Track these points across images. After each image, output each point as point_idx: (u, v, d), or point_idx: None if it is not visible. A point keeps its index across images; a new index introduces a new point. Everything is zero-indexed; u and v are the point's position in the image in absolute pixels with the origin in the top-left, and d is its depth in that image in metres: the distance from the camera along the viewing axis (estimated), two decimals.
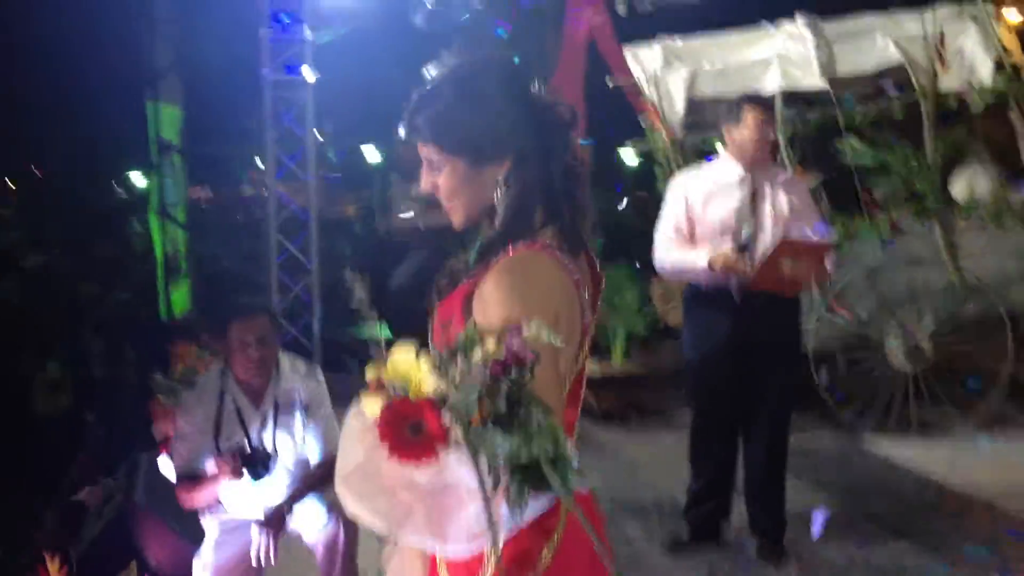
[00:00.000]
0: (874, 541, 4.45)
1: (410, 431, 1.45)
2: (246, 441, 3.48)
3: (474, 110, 1.75)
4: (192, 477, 3.48)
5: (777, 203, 4.21)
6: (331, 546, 3.54)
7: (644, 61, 6.40)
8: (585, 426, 6.38)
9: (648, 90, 6.27)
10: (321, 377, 3.73)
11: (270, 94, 6.87)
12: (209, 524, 3.62)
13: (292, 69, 6.89)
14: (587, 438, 6.34)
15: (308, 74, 6.87)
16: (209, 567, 3.56)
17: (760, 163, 4.25)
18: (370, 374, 1.51)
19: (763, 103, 4.29)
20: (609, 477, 5.52)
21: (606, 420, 6.61)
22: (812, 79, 6.09)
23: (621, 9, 7.30)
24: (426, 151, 1.77)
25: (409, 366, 1.48)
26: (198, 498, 3.49)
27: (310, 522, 3.58)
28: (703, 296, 4.26)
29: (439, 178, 1.78)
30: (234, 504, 3.57)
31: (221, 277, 8.84)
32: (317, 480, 3.55)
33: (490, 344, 1.46)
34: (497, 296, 1.63)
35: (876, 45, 6.13)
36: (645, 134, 6.47)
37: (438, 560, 1.75)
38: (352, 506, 1.51)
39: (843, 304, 6.01)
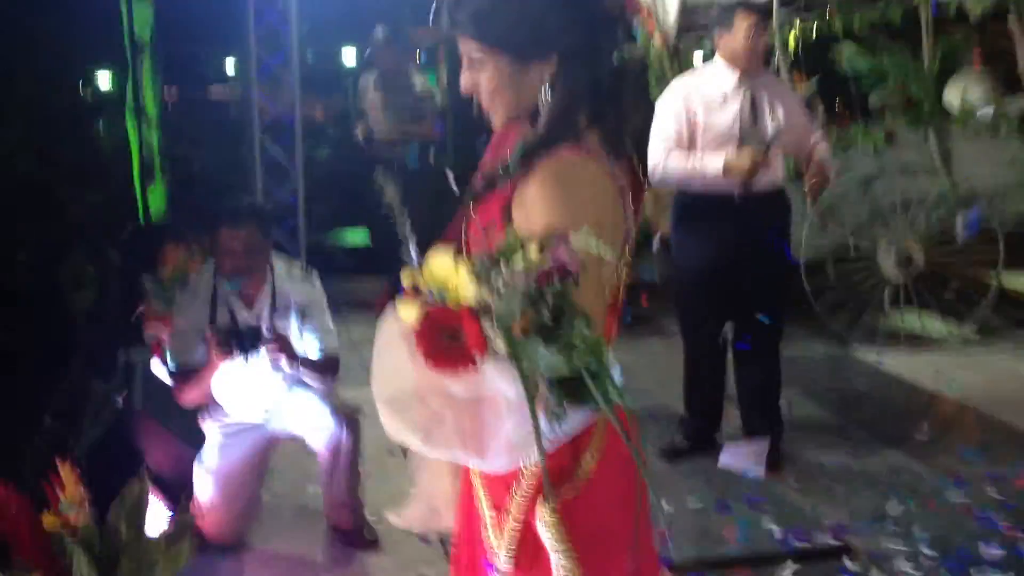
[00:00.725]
0: (869, 450, 4.49)
1: (447, 339, 1.39)
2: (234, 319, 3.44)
3: (524, 6, 1.65)
4: (187, 373, 3.42)
5: (775, 112, 4.17)
6: (335, 450, 3.52)
7: None
8: None
9: None
10: (317, 282, 3.70)
11: None
12: (210, 428, 3.59)
13: None
14: None
15: None
16: (211, 471, 3.55)
17: (755, 70, 4.18)
18: (406, 280, 1.44)
19: (756, 8, 4.19)
20: None
21: None
22: None
23: None
24: (467, 46, 1.68)
25: (447, 272, 1.41)
26: (194, 392, 3.47)
27: (314, 426, 3.55)
28: (700, 202, 4.21)
29: (480, 76, 1.68)
30: (233, 405, 3.52)
31: (200, 179, 8.67)
32: (314, 370, 3.51)
33: (533, 252, 1.39)
34: (542, 202, 1.56)
35: None
36: (637, 38, 6.29)
37: (472, 474, 1.71)
38: (386, 418, 1.46)
39: (834, 212, 5.98)
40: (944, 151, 5.95)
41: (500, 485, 1.65)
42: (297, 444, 3.70)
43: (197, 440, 3.63)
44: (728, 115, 4.13)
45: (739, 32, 4.08)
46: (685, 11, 6.17)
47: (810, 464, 4.35)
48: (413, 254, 1.49)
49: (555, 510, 1.56)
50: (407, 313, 1.41)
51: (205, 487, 3.53)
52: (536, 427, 1.38)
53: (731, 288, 4.24)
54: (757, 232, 4.14)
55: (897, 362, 5.70)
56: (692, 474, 4.30)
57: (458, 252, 1.52)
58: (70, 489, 2.36)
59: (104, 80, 13.61)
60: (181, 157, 8.99)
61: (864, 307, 5.93)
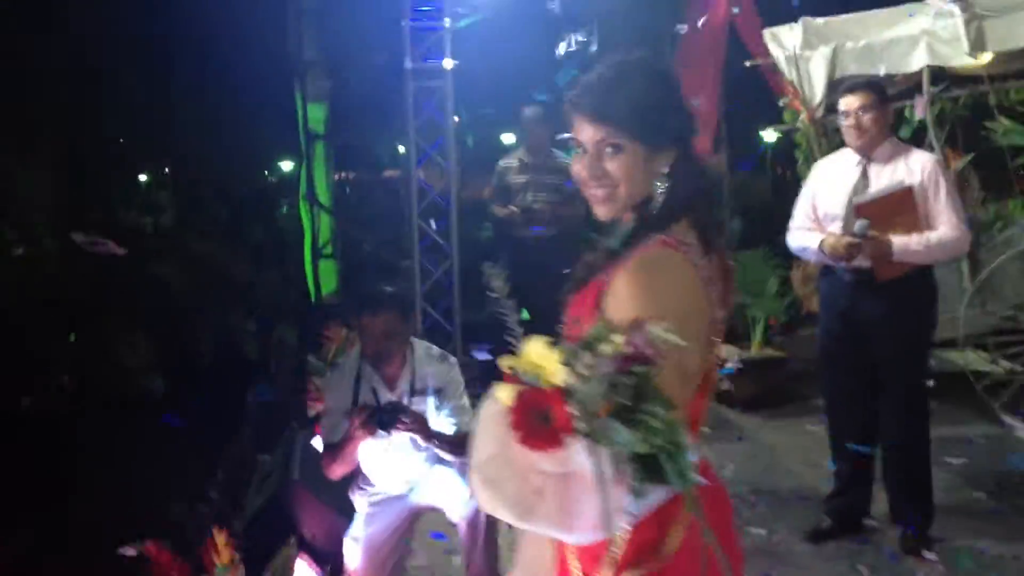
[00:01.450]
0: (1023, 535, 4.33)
1: (540, 420, 1.53)
2: (376, 398, 3.65)
3: (664, 99, 1.81)
4: (334, 447, 3.66)
5: (880, 188, 4.13)
6: (473, 523, 3.67)
7: (784, 41, 6.29)
8: (723, 412, 6.46)
9: (788, 71, 6.16)
10: (455, 363, 3.88)
11: (411, 83, 7.04)
12: (359, 501, 3.81)
13: (433, 58, 7.05)
14: (725, 424, 6.34)
15: (448, 62, 7.01)
16: (360, 540, 3.76)
17: (868, 149, 4.17)
18: (505, 365, 1.59)
19: (860, 88, 4.18)
20: (747, 464, 5.50)
21: (744, 407, 6.57)
22: (960, 56, 5.87)
23: None
24: (603, 133, 1.79)
25: (542, 358, 1.56)
26: (340, 466, 3.66)
27: (453, 499, 3.72)
28: (825, 275, 4.30)
29: (612, 163, 1.79)
30: (380, 479, 3.74)
31: (370, 260, 9.13)
32: (449, 446, 3.67)
33: (619, 340, 1.53)
34: (629, 294, 1.69)
35: None
36: (783, 117, 6.36)
37: (565, 543, 1.83)
38: (482, 493, 1.58)
39: (993, 288, 5.83)
40: None
41: (590, 555, 1.77)
42: (439, 516, 3.87)
43: (349, 511, 3.86)
44: (839, 192, 4.18)
45: (843, 112, 4.16)
46: (832, 88, 6.20)
47: (960, 548, 4.22)
48: (519, 340, 1.65)
49: None
50: (504, 394, 1.57)
51: (354, 555, 3.75)
52: (607, 505, 1.51)
53: (862, 365, 4.22)
54: (876, 312, 4.11)
55: None
56: (835, 556, 4.25)
57: (557, 339, 1.68)
58: (224, 555, 2.62)
59: (286, 168, 14.53)
60: (353, 239, 9.53)
61: None
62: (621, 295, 1.70)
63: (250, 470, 4.32)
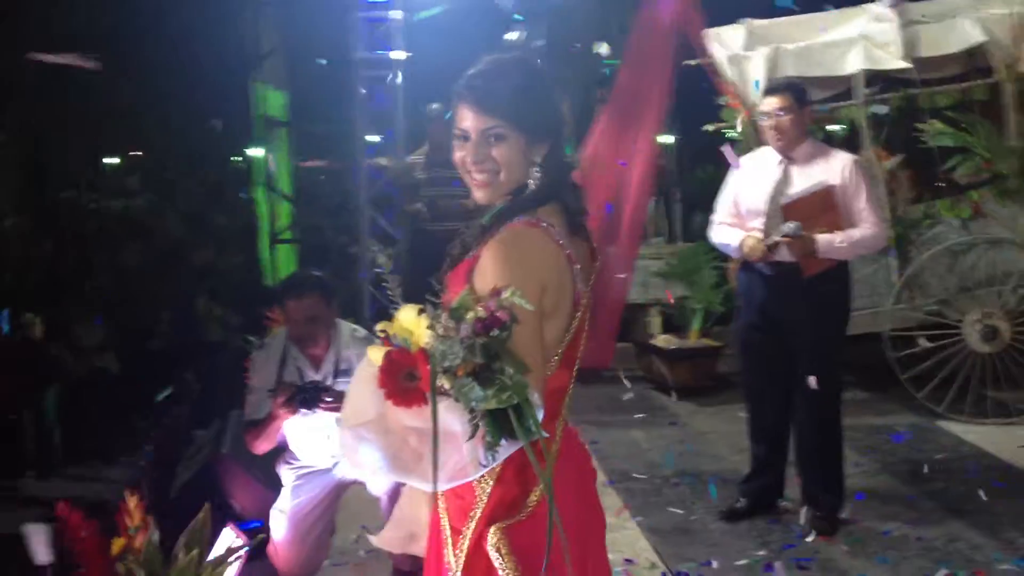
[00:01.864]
0: (930, 519, 4.52)
1: (406, 379, 1.71)
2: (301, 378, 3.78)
3: (542, 94, 1.98)
4: (258, 424, 3.80)
5: (802, 187, 4.30)
6: (394, 496, 3.81)
7: (726, 41, 6.46)
8: (659, 398, 6.66)
9: (729, 70, 6.33)
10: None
11: (361, 73, 7.18)
12: (286, 474, 3.95)
13: (383, 49, 7.18)
14: (661, 410, 6.54)
15: (397, 54, 7.15)
16: (286, 512, 3.90)
17: (788, 148, 4.33)
18: (379, 328, 1.76)
19: (781, 91, 4.34)
20: (675, 448, 5.70)
21: (681, 393, 6.77)
22: (895, 60, 6.07)
23: None
24: (486, 122, 1.92)
25: (411, 323, 1.73)
26: (263, 440, 3.80)
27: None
28: (745, 270, 4.48)
29: (496, 150, 1.92)
30: (305, 453, 3.88)
31: (329, 247, 9.25)
32: None
33: (477, 306, 1.70)
34: (490, 265, 1.85)
35: (961, 26, 6.05)
36: (722, 115, 6.53)
37: (439, 500, 1.99)
38: (348, 444, 1.77)
39: (920, 284, 6.04)
40: None
41: (459, 510, 1.93)
42: (360, 489, 4.02)
43: (276, 483, 4.01)
44: (761, 190, 4.35)
45: (764, 111, 4.35)
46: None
47: (868, 530, 4.42)
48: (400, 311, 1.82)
49: (503, 531, 1.85)
50: (375, 355, 1.74)
51: (279, 526, 3.89)
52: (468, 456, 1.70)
53: (776, 355, 4.40)
54: (793, 305, 4.29)
55: (982, 434, 5.68)
56: (747, 535, 4.43)
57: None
58: (136, 517, 2.76)
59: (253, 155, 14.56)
60: (311, 226, 9.64)
61: (951, 379, 5.92)
62: (483, 266, 1.86)
63: (183, 443, 4.45)
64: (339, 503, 4.09)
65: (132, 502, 2.75)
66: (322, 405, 3.65)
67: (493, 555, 1.87)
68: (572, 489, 1.99)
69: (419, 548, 2.15)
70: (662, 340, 7.05)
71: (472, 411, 1.68)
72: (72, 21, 11.64)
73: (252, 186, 9.44)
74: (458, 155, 1.98)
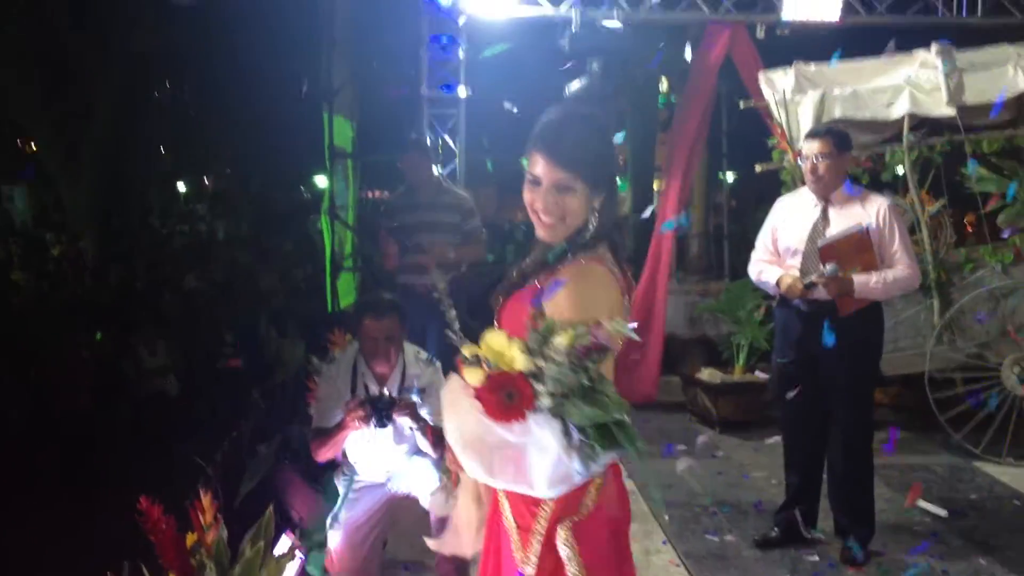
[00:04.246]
0: (957, 554, 4.66)
1: (506, 398, 1.98)
2: (374, 390, 4.05)
3: (605, 149, 2.29)
4: (324, 434, 4.06)
5: (839, 229, 4.49)
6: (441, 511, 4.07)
7: (776, 84, 6.68)
8: (703, 431, 6.83)
9: (778, 113, 6.54)
10: (439, 367, 4.28)
11: (427, 109, 7.52)
12: (342, 484, 4.23)
13: (448, 87, 7.51)
14: (704, 443, 6.71)
15: (461, 90, 7.48)
16: (341, 523, 4.17)
17: (823, 192, 4.53)
18: (466, 351, 2.05)
19: (821, 136, 4.54)
20: (715, 479, 5.89)
21: (724, 427, 6.96)
22: (940, 106, 6.24)
23: (760, 32, 7.61)
24: (560, 174, 2.20)
25: (502, 346, 2.01)
26: (328, 448, 4.05)
27: (426, 486, 4.12)
28: (782, 306, 4.68)
29: (565, 200, 2.21)
30: (363, 466, 4.16)
31: (380, 275, 9.56)
32: (432, 436, 4.04)
33: (567, 334, 1.99)
34: (569, 297, 2.13)
35: (1006, 75, 6.20)
36: (773, 156, 6.74)
37: (500, 500, 2.25)
38: (463, 456, 2.06)
39: (961, 326, 6.17)
40: None
41: (524, 510, 2.20)
42: (413, 502, 4.27)
43: (332, 496, 4.28)
44: (799, 230, 4.56)
45: (803, 156, 4.56)
46: None
47: (896, 562, 4.57)
48: (456, 335, 2.12)
49: (570, 529, 2.14)
50: (473, 377, 2.03)
51: (334, 535, 4.17)
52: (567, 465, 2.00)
53: (813, 390, 4.59)
54: (836, 342, 4.43)
55: (1017, 476, 5.80)
56: (779, 562, 4.61)
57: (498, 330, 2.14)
58: (208, 514, 3.05)
59: (321, 184, 15.06)
60: (371, 255, 9.97)
61: (989, 420, 6.03)
62: (561, 298, 2.13)
63: (247, 457, 4.76)
64: (391, 516, 4.35)
65: (206, 501, 3.05)
66: (396, 414, 3.92)
67: (563, 550, 2.15)
68: (616, 494, 2.28)
69: (466, 547, 2.43)
70: (707, 374, 7.24)
71: (580, 427, 1.97)
72: (151, 50, 12.23)
73: (318, 215, 9.81)
74: (528, 196, 2.26)
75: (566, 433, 1.99)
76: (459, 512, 2.47)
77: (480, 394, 2.01)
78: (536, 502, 2.15)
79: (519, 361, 1.99)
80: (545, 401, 1.98)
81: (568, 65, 7.26)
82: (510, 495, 2.20)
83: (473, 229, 6.12)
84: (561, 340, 1.99)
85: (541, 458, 2.00)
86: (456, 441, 2.08)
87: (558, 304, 2.12)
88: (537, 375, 1.99)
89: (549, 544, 2.16)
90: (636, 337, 2.03)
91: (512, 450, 2.02)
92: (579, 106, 2.38)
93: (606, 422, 1.97)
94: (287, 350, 6.88)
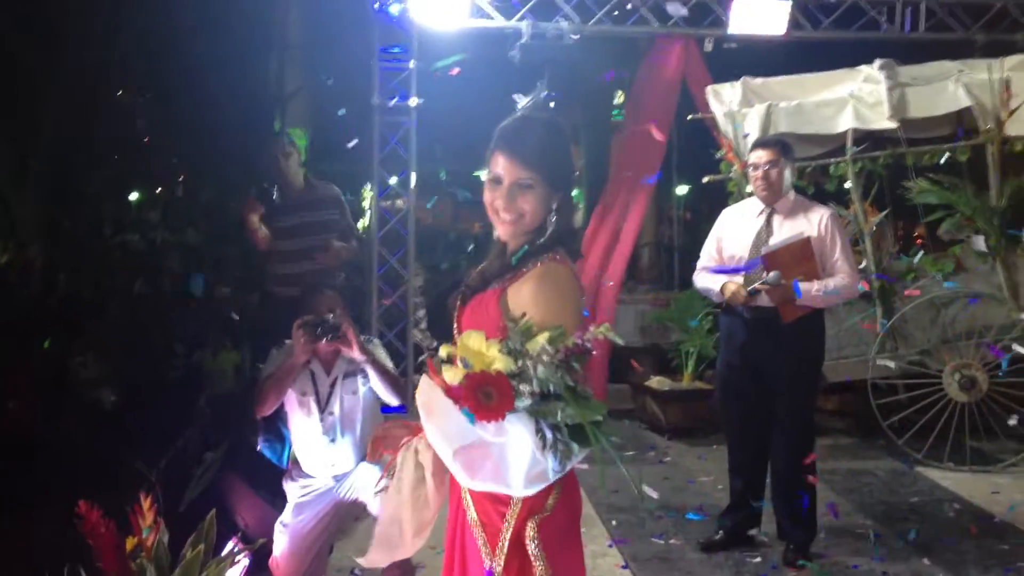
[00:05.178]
0: (898, 557, 4.74)
1: (484, 397, 2.01)
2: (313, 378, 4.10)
3: (564, 151, 2.34)
4: (272, 374, 4.09)
5: (782, 237, 4.58)
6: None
7: (724, 97, 6.80)
8: (651, 437, 6.90)
9: (724, 125, 6.65)
10: (378, 343, 4.32)
11: (378, 118, 7.54)
12: (289, 488, 4.22)
13: (399, 97, 7.55)
14: (651, 448, 6.79)
15: (413, 100, 7.51)
16: (288, 527, 4.16)
17: (771, 200, 4.63)
18: (444, 351, 2.10)
19: (770, 145, 4.66)
20: (662, 483, 5.94)
21: (672, 434, 7.04)
22: (882, 120, 6.38)
23: (708, 46, 7.73)
24: (521, 173, 2.27)
25: (480, 346, 2.04)
26: (274, 387, 4.05)
27: (373, 491, 4.12)
28: (726, 313, 4.76)
29: (524, 197, 2.27)
30: (309, 461, 4.15)
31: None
32: (385, 379, 4.08)
33: (546, 335, 2.05)
34: (536, 296, 2.19)
35: (947, 90, 6.38)
36: (720, 168, 6.84)
37: (464, 502, 2.29)
38: (448, 459, 2.11)
39: (903, 334, 6.29)
40: (1011, 281, 6.21)
41: (491, 509, 2.24)
42: (360, 509, 4.27)
43: (279, 501, 4.27)
44: (743, 239, 4.64)
45: (752, 164, 4.64)
46: None
47: (837, 564, 4.65)
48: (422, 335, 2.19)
49: (536, 527, 2.20)
50: (452, 376, 2.06)
51: (280, 540, 4.16)
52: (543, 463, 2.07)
53: (752, 396, 4.67)
54: (770, 348, 4.56)
55: (958, 480, 5.92)
56: (723, 565, 4.67)
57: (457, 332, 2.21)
58: (148, 518, 3.04)
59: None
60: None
61: (931, 426, 6.15)
62: (528, 298, 2.20)
63: (193, 463, 4.74)
64: (338, 522, 4.35)
65: (146, 504, 3.03)
66: (338, 336, 3.93)
67: (531, 547, 2.20)
68: (574, 491, 2.34)
69: (403, 553, 2.44)
70: (656, 382, 7.32)
71: (554, 426, 2.02)
72: (100, 55, 12.11)
73: None
74: (488, 196, 2.32)
75: (539, 432, 2.02)
76: (387, 527, 2.47)
77: (458, 393, 2.04)
78: (505, 502, 2.20)
79: (500, 361, 2.03)
80: (524, 401, 2.01)
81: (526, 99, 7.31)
82: (474, 495, 2.24)
83: (351, 224, 5.91)
84: (544, 341, 2.03)
85: (518, 457, 2.05)
86: (441, 441, 2.12)
87: (523, 303, 2.18)
88: (518, 375, 2.02)
89: (517, 542, 2.21)
90: (620, 341, 2.15)
91: (489, 449, 2.06)
92: (539, 112, 2.45)
93: (585, 422, 2.01)
94: (224, 359, 6.87)
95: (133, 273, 10.86)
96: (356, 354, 4.00)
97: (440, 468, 2.25)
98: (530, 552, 2.19)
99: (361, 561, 2.53)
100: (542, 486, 2.12)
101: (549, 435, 2.04)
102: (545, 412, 2.01)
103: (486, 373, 2.01)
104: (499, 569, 2.20)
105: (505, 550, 2.20)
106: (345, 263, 5.84)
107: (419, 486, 2.32)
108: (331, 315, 3.98)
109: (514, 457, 2.05)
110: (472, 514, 2.26)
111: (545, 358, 2.01)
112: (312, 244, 5.52)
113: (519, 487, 2.09)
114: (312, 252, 5.48)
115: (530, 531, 2.19)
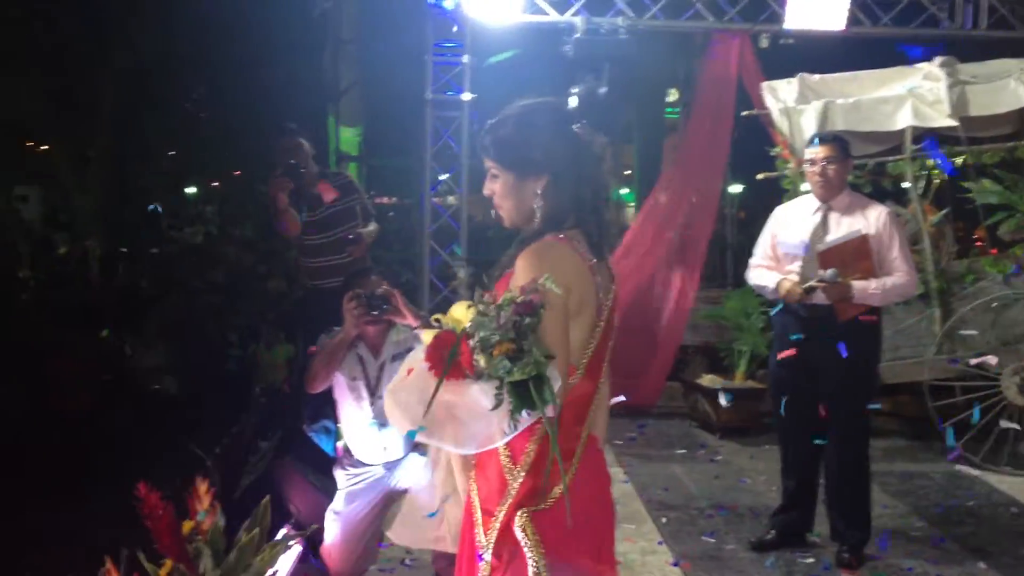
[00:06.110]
0: (952, 559, 4.68)
1: (448, 356, 2.03)
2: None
3: (525, 138, 2.29)
4: (323, 350, 4.16)
5: (839, 235, 4.51)
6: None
7: (780, 94, 6.72)
8: (702, 436, 6.87)
9: (780, 122, 6.58)
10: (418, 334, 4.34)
11: (431, 113, 7.58)
12: (340, 477, 4.26)
13: (453, 91, 7.58)
14: (703, 447, 6.76)
15: (466, 95, 7.53)
16: (339, 516, 4.20)
17: (828, 197, 4.57)
18: (432, 318, 2.12)
19: (828, 141, 4.59)
20: (713, 482, 5.93)
21: (724, 433, 6.99)
22: (942, 118, 6.27)
23: (763, 42, 7.66)
24: (488, 164, 2.32)
25: (462, 313, 2.07)
26: (325, 363, 4.13)
27: (426, 483, 4.15)
28: (781, 311, 4.70)
29: (492, 185, 2.33)
30: (360, 448, 4.19)
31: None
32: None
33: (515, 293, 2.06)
34: (522, 267, 2.18)
35: (1008, 87, 6.26)
36: (775, 165, 6.78)
37: (471, 487, 2.29)
38: (391, 410, 2.13)
39: (961, 337, 6.18)
40: None
41: (491, 495, 2.23)
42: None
43: (331, 489, 4.32)
44: (799, 236, 4.58)
45: (810, 161, 4.58)
46: None
47: (891, 566, 4.59)
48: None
49: (529, 516, 2.16)
50: (427, 337, 2.08)
51: (331, 528, 4.20)
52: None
53: (810, 395, 4.61)
54: (826, 347, 4.47)
55: (1015, 484, 5.83)
56: (774, 565, 4.62)
57: None
58: (204, 502, 3.09)
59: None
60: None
61: (989, 430, 6.04)
62: (517, 270, 2.20)
63: (248, 452, 4.80)
64: (389, 511, 4.38)
65: (202, 488, 3.08)
66: (389, 307, 3.95)
67: (519, 535, 2.17)
68: (589, 487, 2.28)
69: (445, 545, 2.46)
70: (708, 380, 7.27)
71: (500, 385, 2.00)
72: (156, 52, 12.34)
73: None
74: (486, 188, 2.37)
75: (497, 394, 2.02)
76: (418, 508, 2.50)
77: (427, 351, 2.06)
78: (503, 487, 2.20)
79: (463, 322, 2.05)
80: (481, 361, 2.01)
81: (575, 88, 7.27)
82: (479, 479, 2.25)
83: (366, 206, 5.74)
84: (508, 305, 2.04)
85: (471, 416, 2.05)
86: (389, 396, 2.15)
87: (515, 277, 2.18)
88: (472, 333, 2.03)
89: (506, 529, 2.19)
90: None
91: (452, 409, 2.06)
92: (530, 100, 2.41)
93: (523, 379, 2.00)
94: (278, 352, 6.96)
95: (190, 265, 11.01)
96: (410, 319, 4.01)
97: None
98: (520, 541, 2.17)
99: (389, 535, 2.57)
100: (491, 446, 2.11)
101: (501, 395, 2.03)
102: (494, 368, 2.00)
103: (450, 332, 2.04)
104: (488, 556, 2.20)
105: (495, 536, 2.20)
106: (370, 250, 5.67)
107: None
108: (380, 289, 4.02)
109: (467, 415, 2.05)
110: (474, 497, 2.28)
111: (489, 312, 2.02)
112: (342, 237, 5.39)
113: (469, 446, 2.10)
114: (344, 246, 5.36)
115: (520, 520, 2.17)
